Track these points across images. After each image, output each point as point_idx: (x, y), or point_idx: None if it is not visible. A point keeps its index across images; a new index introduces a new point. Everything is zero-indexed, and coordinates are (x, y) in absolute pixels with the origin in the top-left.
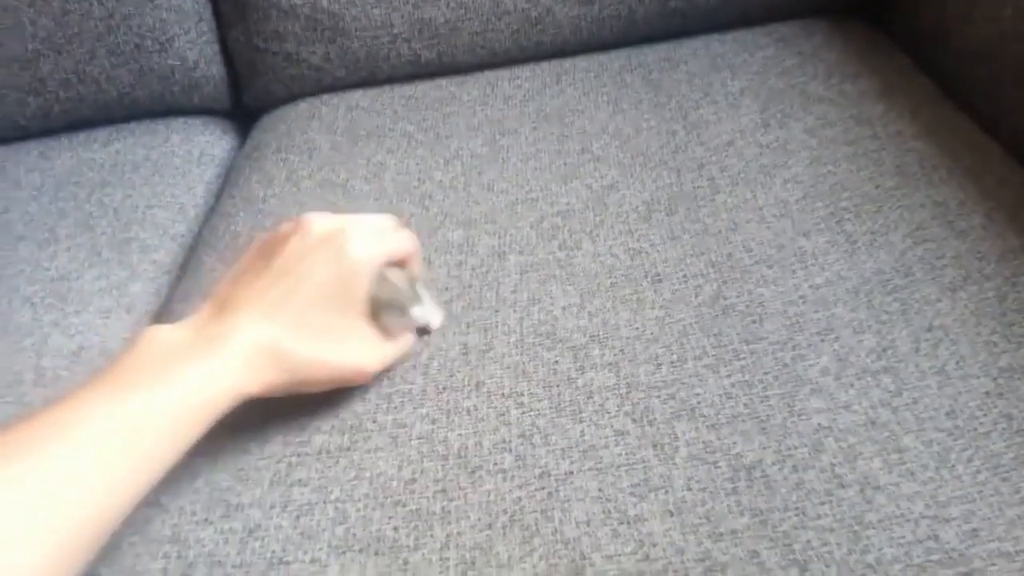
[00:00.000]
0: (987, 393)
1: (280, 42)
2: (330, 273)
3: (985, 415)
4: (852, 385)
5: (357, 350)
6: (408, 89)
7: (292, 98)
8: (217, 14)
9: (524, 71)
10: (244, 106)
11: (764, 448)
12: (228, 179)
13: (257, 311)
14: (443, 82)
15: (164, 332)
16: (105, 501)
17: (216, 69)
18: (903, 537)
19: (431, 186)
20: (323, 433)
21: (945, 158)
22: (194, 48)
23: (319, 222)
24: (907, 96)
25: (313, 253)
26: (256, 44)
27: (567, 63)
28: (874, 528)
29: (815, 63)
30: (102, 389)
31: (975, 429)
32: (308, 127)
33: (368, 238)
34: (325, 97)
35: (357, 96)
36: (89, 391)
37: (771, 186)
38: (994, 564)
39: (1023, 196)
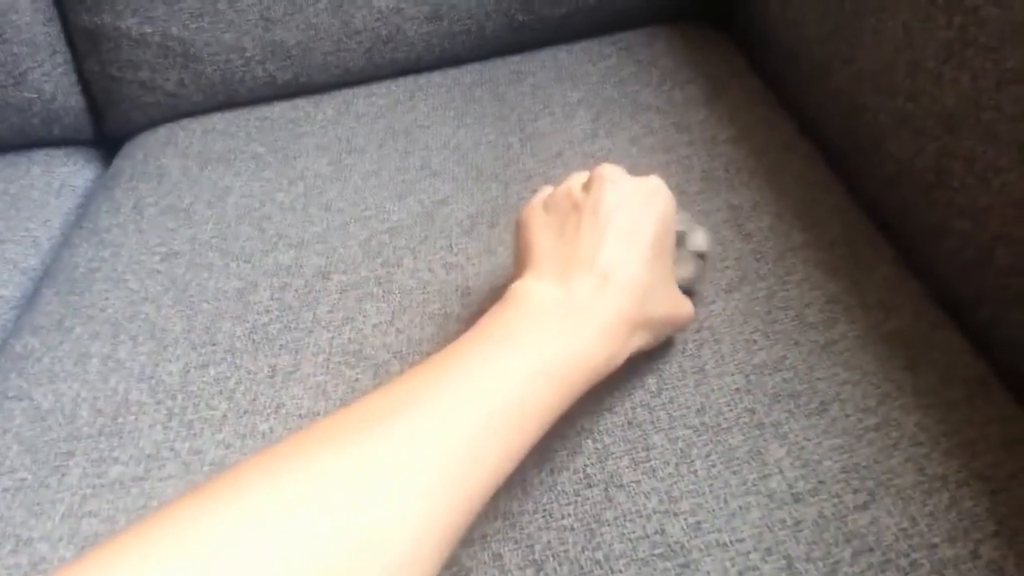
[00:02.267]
0: (736, 390)
1: (134, 70)
2: (659, 223)
3: (731, 411)
4: (617, 388)
5: (680, 297)
6: (265, 111)
7: (152, 125)
8: (71, 45)
9: (379, 88)
10: (108, 136)
11: (530, 454)
12: (83, 209)
13: (603, 272)
14: (300, 102)
15: (536, 288)
16: (494, 463)
17: (75, 100)
18: (633, 533)
19: (271, 208)
20: (120, 464)
21: (750, 160)
22: (50, 80)
23: (618, 171)
24: (730, 100)
25: (638, 205)
26: (111, 73)
27: (422, 79)
28: (609, 525)
29: (651, 71)
30: (481, 345)
31: (719, 425)
32: (162, 153)
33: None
34: (183, 122)
35: (214, 120)
36: (471, 343)
37: None
38: (710, 555)
39: (817, 194)
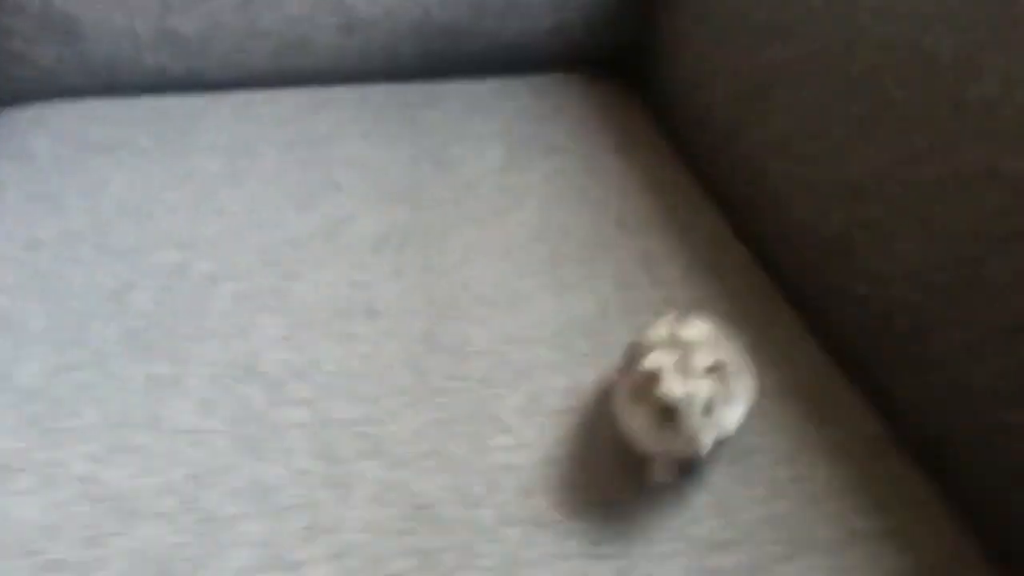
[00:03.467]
0: None
1: (6, 38)
2: None
3: None
4: (538, 424)
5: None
6: (153, 102)
7: (20, 101)
8: None
9: (283, 95)
10: None
11: (443, 487)
12: None
13: None
14: (192, 98)
15: None
16: None
17: None
18: (556, 575)
19: (156, 205)
20: None
21: (661, 212)
22: None
23: None
24: (641, 153)
25: None
26: None
27: (330, 91)
28: (531, 567)
29: (564, 115)
30: None
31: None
32: (30, 133)
33: None
34: (58, 103)
35: (94, 105)
36: None
37: (502, 227)
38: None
39: (723, 251)
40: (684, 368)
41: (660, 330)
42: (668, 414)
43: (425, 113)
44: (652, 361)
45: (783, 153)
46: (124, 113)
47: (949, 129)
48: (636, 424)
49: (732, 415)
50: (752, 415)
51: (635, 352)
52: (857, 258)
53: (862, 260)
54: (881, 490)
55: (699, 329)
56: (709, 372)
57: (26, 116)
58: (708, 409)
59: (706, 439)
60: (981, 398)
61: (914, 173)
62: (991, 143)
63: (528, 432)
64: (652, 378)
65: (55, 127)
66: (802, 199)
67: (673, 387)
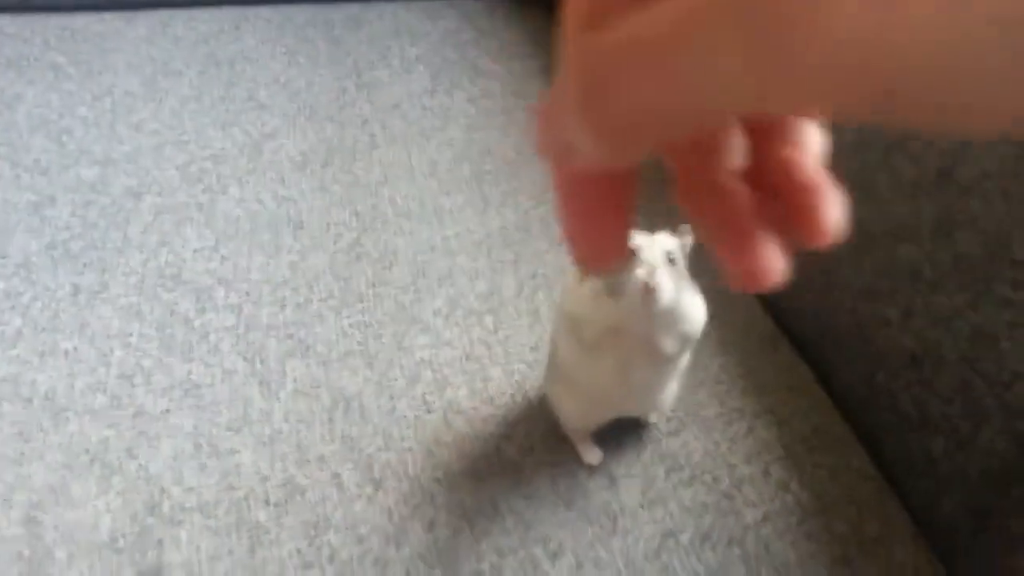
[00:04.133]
0: None
1: None
2: None
3: None
4: (458, 324)
5: None
6: (66, 20)
7: None
8: None
9: (203, 14)
10: None
11: (367, 381)
12: None
13: None
14: (108, 16)
15: None
16: None
17: None
18: (471, 453)
19: (72, 121)
20: None
21: None
22: None
23: None
24: None
25: None
26: None
27: (250, 11)
28: (448, 447)
29: (490, 40)
30: None
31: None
32: None
33: None
34: None
35: (5, 22)
36: None
37: (426, 147)
38: (540, 472)
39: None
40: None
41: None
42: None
43: (350, 35)
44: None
45: None
46: (37, 30)
47: None
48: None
49: (694, 305)
50: None
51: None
52: None
53: None
54: (764, 377)
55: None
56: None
57: None
58: (671, 260)
59: (667, 282)
60: (858, 295)
61: None
62: None
63: (447, 332)
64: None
65: None
66: None
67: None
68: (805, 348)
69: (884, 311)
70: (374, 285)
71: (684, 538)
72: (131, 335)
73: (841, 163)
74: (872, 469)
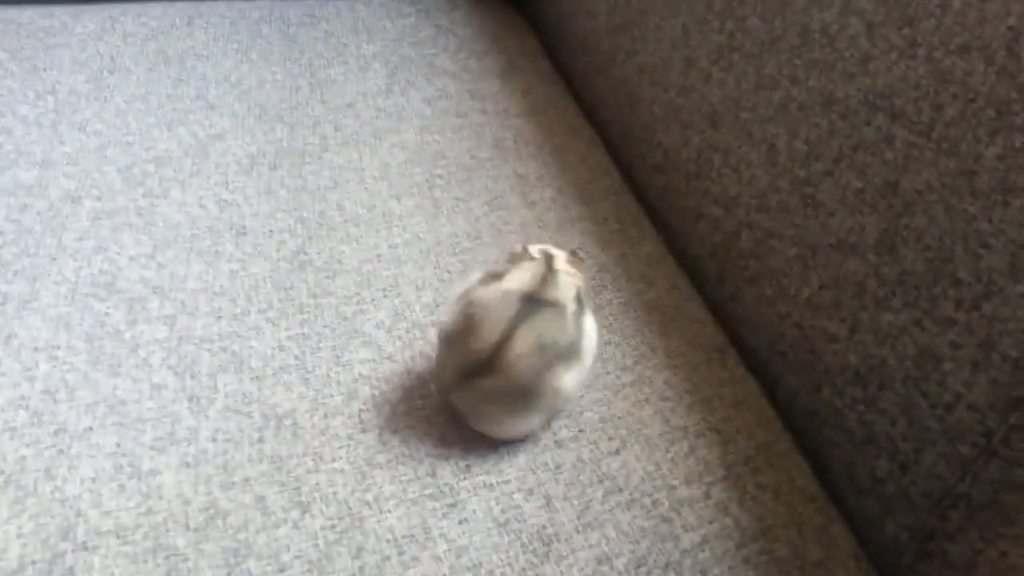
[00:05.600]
0: None
1: None
2: None
3: None
4: (401, 338)
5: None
6: (11, 13)
7: None
8: None
9: (153, 9)
10: None
11: (302, 398)
12: None
13: None
14: (55, 10)
15: None
16: None
17: None
18: (405, 475)
19: (11, 120)
20: None
21: (539, 136)
22: None
23: None
24: (523, 77)
25: None
26: None
27: (203, 6)
28: (381, 468)
29: (449, 37)
30: None
31: None
32: None
33: None
34: None
35: None
36: None
37: (378, 149)
38: (477, 495)
39: (595, 174)
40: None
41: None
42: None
43: (305, 31)
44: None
45: (654, 80)
46: None
47: (796, 57)
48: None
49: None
50: (603, 328)
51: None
52: (712, 182)
53: (716, 184)
54: (711, 392)
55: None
56: (572, 257)
57: None
58: (579, 300)
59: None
60: (806, 307)
61: (764, 100)
62: (830, 73)
63: (389, 346)
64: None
65: None
66: (668, 125)
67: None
68: (753, 360)
69: (830, 326)
70: (316, 295)
71: (619, 563)
72: (58, 347)
73: (788, 172)
74: (816, 488)
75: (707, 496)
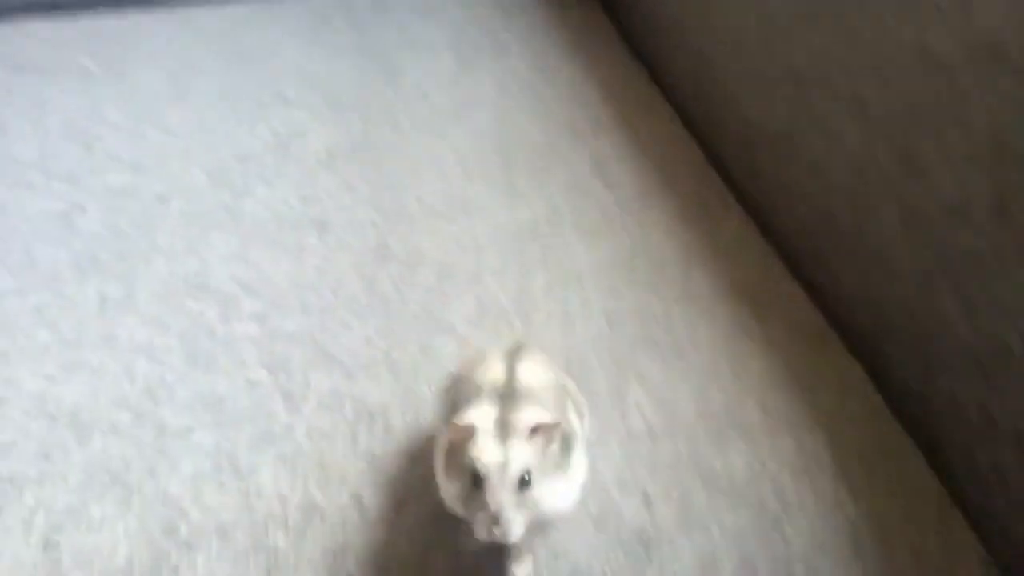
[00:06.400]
0: (600, 335)
1: None
2: None
3: (594, 354)
4: (486, 328)
5: None
6: (93, 21)
7: None
8: None
9: (226, 8)
10: None
11: (393, 393)
12: None
13: None
14: (134, 15)
15: None
16: None
17: None
18: None
19: (101, 127)
20: None
21: (614, 115)
22: None
23: None
24: (595, 55)
25: None
26: None
27: (274, 4)
28: None
29: (515, 18)
30: None
31: (582, 366)
32: None
33: None
34: None
35: (34, 26)
36: None
37: (453, 136)
38: None
39: (675, 151)
40: (505, 426)
41: (491, 369)
42: (478, 480)
43: (373, 20)
44: (470, 417)
45: (731, 47)
46: (64, 33)
47: (885, 7)
48: (451, 488)
49: (556, 494)
50: (694, 313)
51: (458, 391)
52: (801, 149)
53: (806, 150)
54: (813, 379)
55: (533, 372)
56: (534, 434)
57: None
58: (525, 482)
59: (515, 519)
60: (913, 283)
61: (852, 57)
62: (922, 21)
63: (476, 337)
64: (467, 434)
65: None
66: (749, 92)
67: (484, 450)
68: (856, 344)
69: (942, 303)
70: (399, 288)
71: (726, 566)
72: (156, 347)
73: (884, 135)
74: (934, 483)
75: (816, 492)
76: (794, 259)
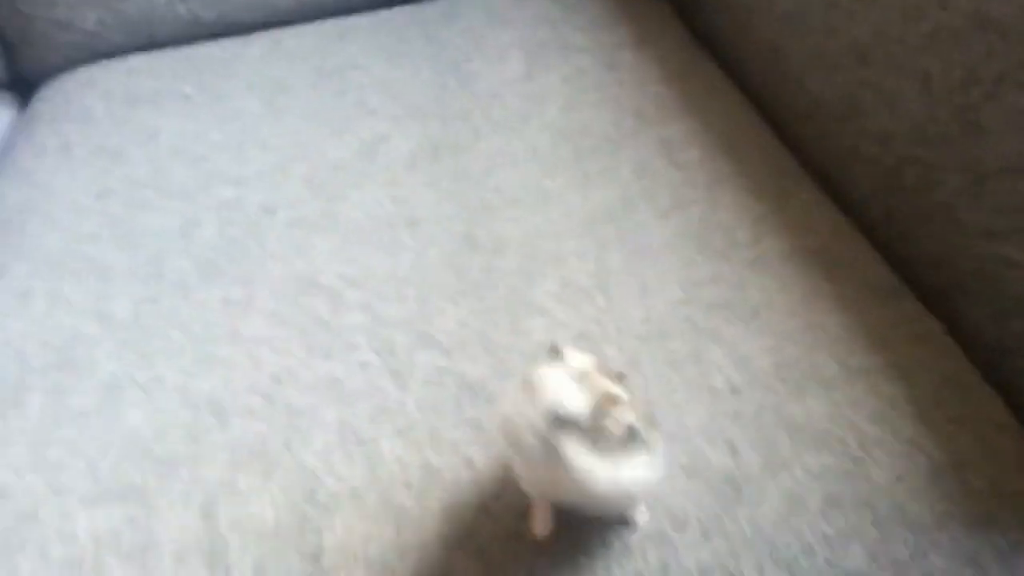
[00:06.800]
0: (677, 302)
1: (49, 8)
2: None
3: (672, 320)
4: (571, 304)
5: None
6: (188, 51)
7: (70, 66)
8: None
9: (308, 29)
10: (24, 77)
11: (489, 367)
12: (3, 153)
13: None
14: (225, 42)
15: None
16: None
17: None
18: None
19: (205, 147)
20: (80, 394)
21: (680, 100)
22: None
23: None
24: (657, 44)
25: None
26: (25, 11)
27: (351, 21)
28: None
29: (578, 14)
30: None
31: (662, 333)
32: (85, 94)
33: None
34: (104, 63)
35: (136, 61)
36: None
37: (526, 132)
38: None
39: (741, 130)
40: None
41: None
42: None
43: (444, 29)
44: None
45: (794, 28)
46: (165, 65)
47: None
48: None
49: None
50: (766, 277)
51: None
52: (865, 119)
53: (870, 121)
54: (887, 332)
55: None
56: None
57: (77, 79)
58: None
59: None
60: (980, 236)
61: (912, 30)
62: None
63: (561, 313)
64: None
65: (104, 85)
66: (813, 71)
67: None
68: (930, 299)
69: (1011, 252)
70: (488, 273)
71: (812, 503)
72: (276, 339)
73: (947, 100)
74: (1011, 420)
75: (895, 432)
76: (864, 223)
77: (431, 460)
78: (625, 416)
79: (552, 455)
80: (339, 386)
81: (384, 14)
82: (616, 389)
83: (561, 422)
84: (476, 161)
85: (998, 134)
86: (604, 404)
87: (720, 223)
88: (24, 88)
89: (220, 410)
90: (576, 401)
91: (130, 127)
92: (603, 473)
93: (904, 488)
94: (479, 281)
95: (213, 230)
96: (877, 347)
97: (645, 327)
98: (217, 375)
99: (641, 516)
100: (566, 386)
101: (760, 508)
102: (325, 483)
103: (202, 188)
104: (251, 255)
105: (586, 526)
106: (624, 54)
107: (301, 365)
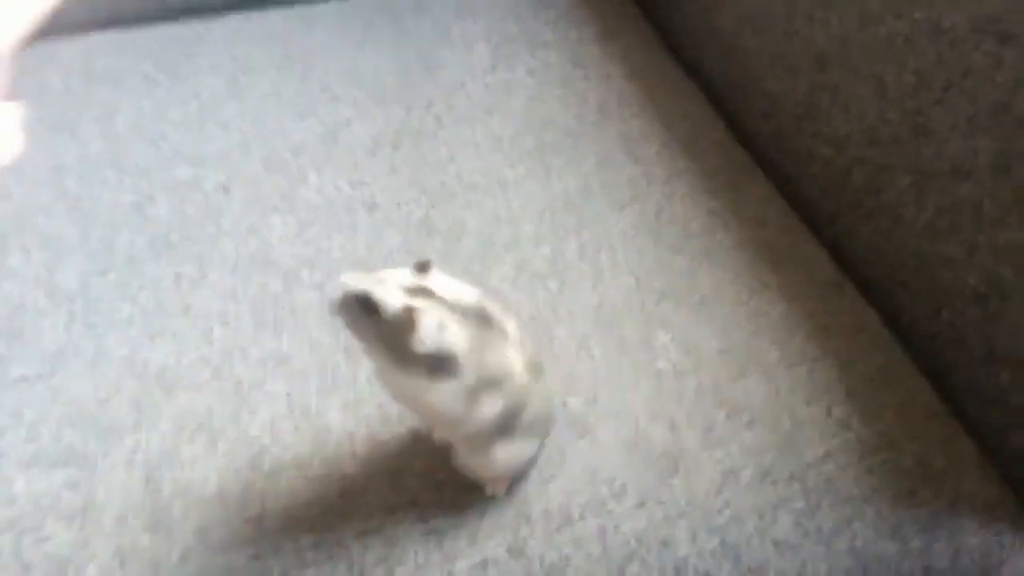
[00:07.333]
0: (629, 288)
1: None
2: None
3: (623, 306)
4: (524, 289)
5: None
6: (152, 31)
7: (30, 40)
8: None
9: (275, 14)
10: None
11: None
12: None
13: None
14: (191, 23)
15: None
16: None
17: None
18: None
19: (165, 126)
20: (22, 363)
21: (642, 96)
22: None
23: None
24: (622, 41)
25: None
26: None
27: (320, 7)
28: None
29: (547, 9)
30: None
31: (614, 319)
32: (41, 70)
33: None
34: (65, 39)
35: (97, 39)
36: None
37: (490, 123)
38: (606, 422)
39: (700, 127)
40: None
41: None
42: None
43: (412, 19)
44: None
45: (755, 29)
46: (127, 43)
47: None
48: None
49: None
50: (717, 267)
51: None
52: (821, 122)
53: (825, 123)
54: (828, 321)
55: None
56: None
57: (37, 53)
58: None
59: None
60: (921, 235)
61: (870, 35)
62: (935, 1)
63: (515, 297)
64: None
65: (63, 62)
66: (773, 72)
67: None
68: (871, 292)
69: (948, 250)
70: (445, 257)
71: (745, 475)
72: (229, 315)
73: (898, 104)
74: (938, 404)
75: (828, 414)
76: (813, 221)
77: (378, 432)
78: (430, 337)
79: (359, 336)
80: (289, 362)
81: (353, 1)
82: (493, 316)
83: (366, 306)
84: (438, 149)
85: (944, 138)
86: (407, 313)
87: (675, 215)
88: None
89: (167, 382)
90: (389, 296)
91: (89, 103)
92: (396, 380)
93: (833, 464)
94: (436, 264)
95: (168, 208)
96: (818, 336)
97: (597, 312)
98: (166, 348)
99: (493, 486)
100: (393, 283)
101: (695, 480)
102: (271, 451)
103: (159, 166)
104: (206, 233)
105: (531, 496)
106: (590, 49)
107: (252, 341)
